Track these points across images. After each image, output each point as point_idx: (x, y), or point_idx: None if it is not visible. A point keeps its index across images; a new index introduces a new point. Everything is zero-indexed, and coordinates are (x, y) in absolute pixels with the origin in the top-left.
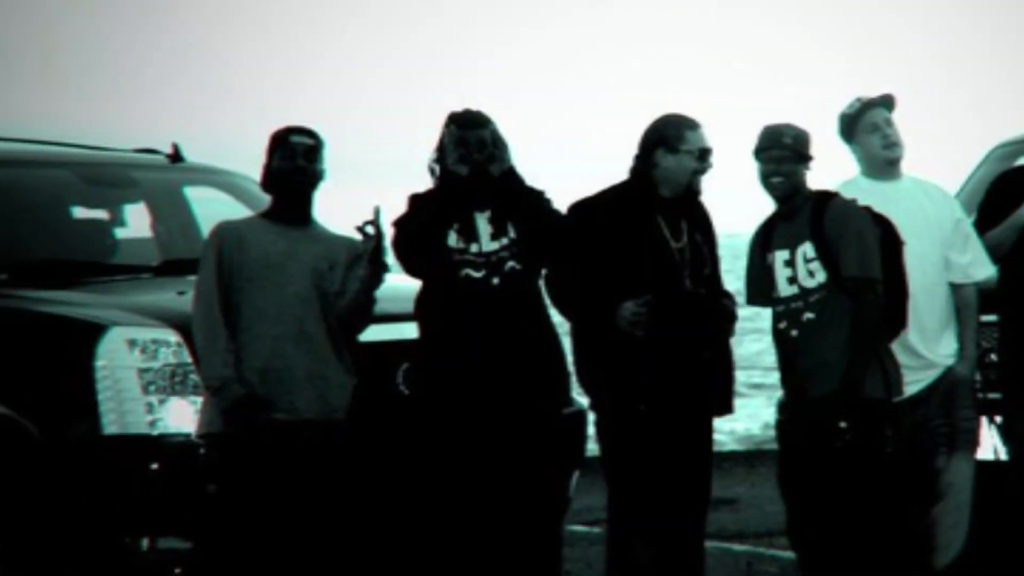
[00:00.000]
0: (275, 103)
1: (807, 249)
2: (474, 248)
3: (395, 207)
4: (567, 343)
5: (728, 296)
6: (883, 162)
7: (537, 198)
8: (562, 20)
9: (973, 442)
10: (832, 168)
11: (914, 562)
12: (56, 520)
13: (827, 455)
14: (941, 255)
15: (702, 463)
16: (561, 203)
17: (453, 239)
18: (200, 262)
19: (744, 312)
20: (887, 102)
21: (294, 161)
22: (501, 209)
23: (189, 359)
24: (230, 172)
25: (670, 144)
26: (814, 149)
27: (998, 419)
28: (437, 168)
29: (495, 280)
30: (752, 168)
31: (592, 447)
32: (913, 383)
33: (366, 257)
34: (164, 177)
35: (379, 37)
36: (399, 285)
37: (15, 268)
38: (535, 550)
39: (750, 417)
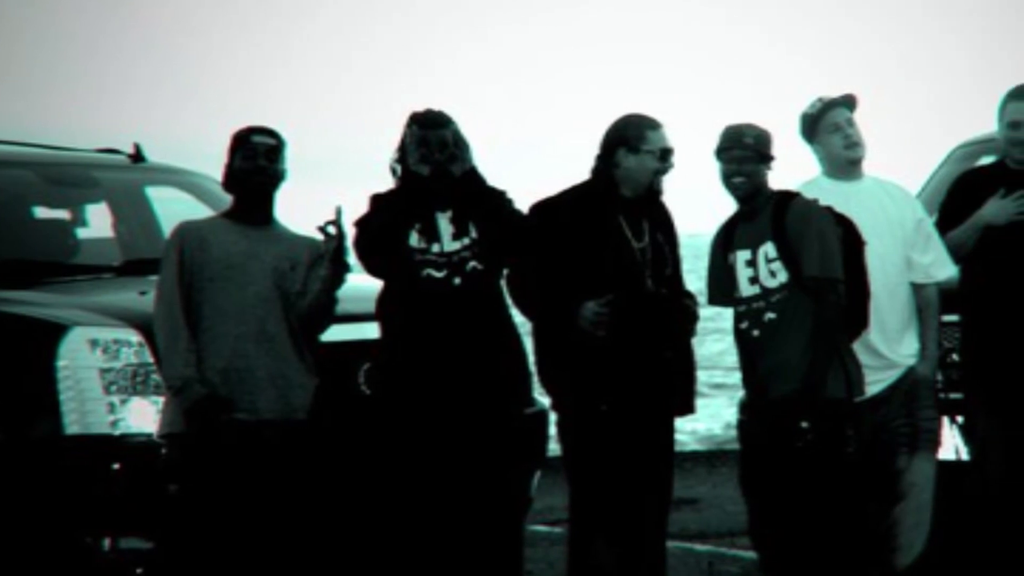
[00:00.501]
0: (237, 103)
1: (769, 249)
2: (435, 248)
3: (357, 207)
4: (529, 343)
5: (690, 296)
6: (845, 162)
7: (498, 198)
8: (524, 21)
9: (935, 442)
10: (794, 168)
11: (875, 562)
12: (17, 520)
13: (789, 455)
14: (903, 255)
15: (663, 463)
16: (522, 203)
17: (414, 239)
18: (162, 262)
19: (705, 312)
20: (849, 102)
21: (255, 161)
22: (462, 209)
23: (151, 359)
24: (192, 172)
25: (631, 144)
26: (775, 149)
27: (960, 419)
28: (399, 168)
29: (456, 280)
30: (714, 168)
31: (554, 447)
32: (875, 383)
33: (328, 257)
34: (126, 177)
35: (341, 37)
36: (360, 285)
37: None
38: (496, 550)
39: (712, 417)
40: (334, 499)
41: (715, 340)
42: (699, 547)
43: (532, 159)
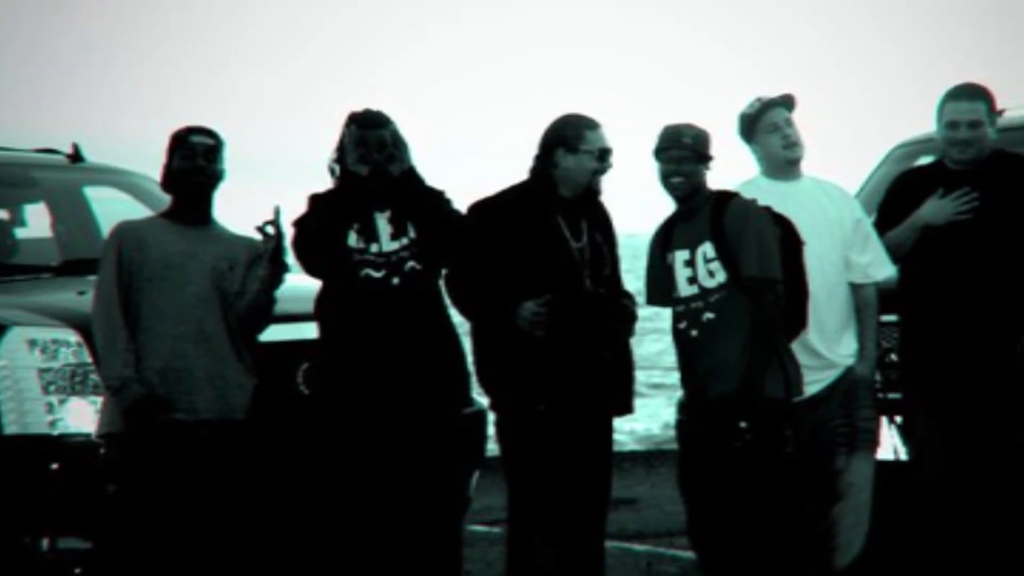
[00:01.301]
0: (176, 103)
1: (707, 249)
2: (374, 248)
3: (296, 207)
4: (467, 343)
5: (628, 296)
6: (783, 162)
7: (437, 198)
8: (463, 21)
9: (873, 442)
10: (732, 168)
11: (814, 562)
12: None
13: (727, 455)
14: (841, 255)
15: (602, 463)
16: (461, 203)
17: (353, 239)
18: (100, 262)
19: (644, 312)
20: (787, 102)
21: (194, 161)
22: (401, 209)
23: (89, 359)
24: (130, 172)
25: (570, 144)
26: (714, 149)
27: (898, 419)
28: (337, 168)
29: (395, 280)
30: (652, 168)
31: (492, 447)
32: (813, 383)
33: (266, 257)
34: (64, 177)
35: (280, 37)
36: (299, 285)
37: None
38: (434, 550)
39: (650, 417)
40: (272, 499)
41: (653, 340)
42: (637, 547)
43: (470, 159)
